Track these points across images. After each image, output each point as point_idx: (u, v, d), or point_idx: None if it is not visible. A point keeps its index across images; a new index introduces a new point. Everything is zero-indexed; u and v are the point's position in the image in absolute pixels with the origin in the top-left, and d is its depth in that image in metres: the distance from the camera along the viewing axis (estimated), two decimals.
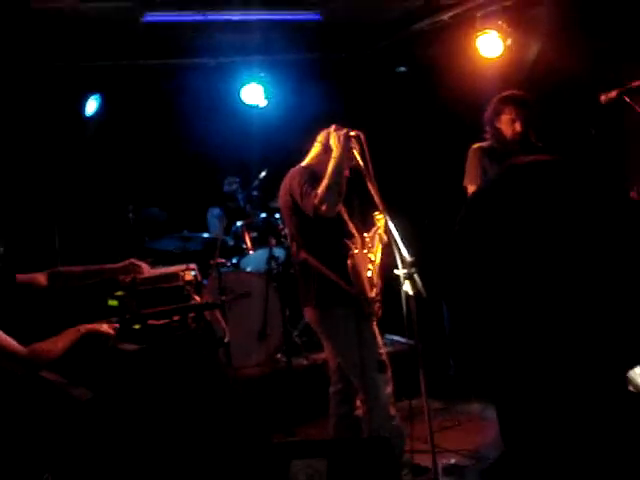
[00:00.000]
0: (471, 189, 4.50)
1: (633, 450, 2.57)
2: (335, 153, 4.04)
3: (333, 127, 4.14)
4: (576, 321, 2.47)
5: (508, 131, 4.48)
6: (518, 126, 4.44)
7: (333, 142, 4.07)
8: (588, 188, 2.60)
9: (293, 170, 4.24)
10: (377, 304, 4.18)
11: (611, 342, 2.47)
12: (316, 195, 3.96)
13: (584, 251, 2.52)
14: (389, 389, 4.12)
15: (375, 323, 4.17)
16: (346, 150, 4.02)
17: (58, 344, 3.15)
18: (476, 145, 4.58)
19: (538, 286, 2.50)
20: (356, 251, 4.09)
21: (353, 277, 4.02)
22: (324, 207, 3.94)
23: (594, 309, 2.47)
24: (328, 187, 3.96)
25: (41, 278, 3.56)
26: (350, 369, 4.13)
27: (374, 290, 4.15)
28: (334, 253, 4.09)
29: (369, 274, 4.17)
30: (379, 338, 4.18)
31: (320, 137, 4.29)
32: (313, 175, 4.12)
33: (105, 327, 3.31)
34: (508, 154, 4.28)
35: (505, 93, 4.58)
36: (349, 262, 4.01)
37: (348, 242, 4.12)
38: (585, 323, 2.47)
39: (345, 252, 4.05)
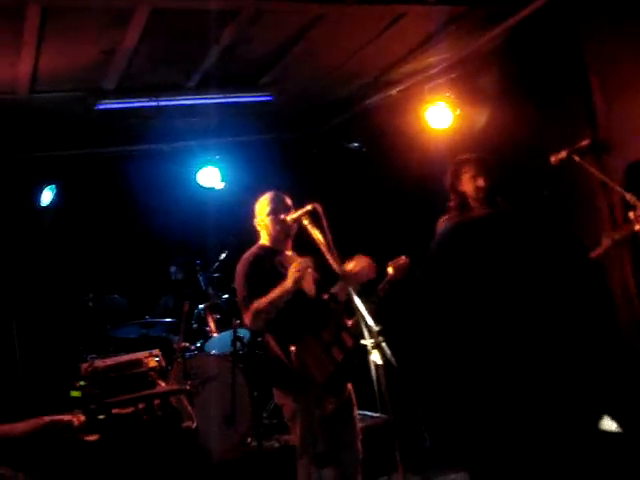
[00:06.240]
0: None
1: None
2: (287, 284, 3.93)
3: (299, 260, 4.01)
4: (546, 376, 2.43)
5: (470, 189, 4.47)
6: (481, 181, 4.44)
7: (290, 271, 3.95)
8: (538, 235, 2.58)
9: (242, 257, 4.20)
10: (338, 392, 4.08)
11: (581, 392, 2.43)
12: (250, 309, 3.95)
13: (545, 300, 2.49)
14: None
15: (332, 410, 4.02)
16: (298, 283, 3.94)
17: (18, 427, 3.20)
18: (442, 218, 4.56)
19: (503, 341, 2.46)
20: (306, 339, 4.00)
21: (297, 365, 3.95)
22: (253, 325, 3.99)
23: (563, 356, 2.43)
24: (264, 310, 3.93)
25: None
26: (296, 452, 4.07)
27: (324, 376, 3.99)
28: (288, 337, 4.02)
29: (330, 356, 4.06)
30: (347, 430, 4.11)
31: (257, 218, 4.28)
32: (258, 265, 4.07)
33: (67, 417, 3.23)
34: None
35: (460, 157, 4.63)
36: (292, 349, 3.95)
37: (306, 324, 4.06)
38: (556, 374, 2.43)
39: (297, 336, 3.99)
